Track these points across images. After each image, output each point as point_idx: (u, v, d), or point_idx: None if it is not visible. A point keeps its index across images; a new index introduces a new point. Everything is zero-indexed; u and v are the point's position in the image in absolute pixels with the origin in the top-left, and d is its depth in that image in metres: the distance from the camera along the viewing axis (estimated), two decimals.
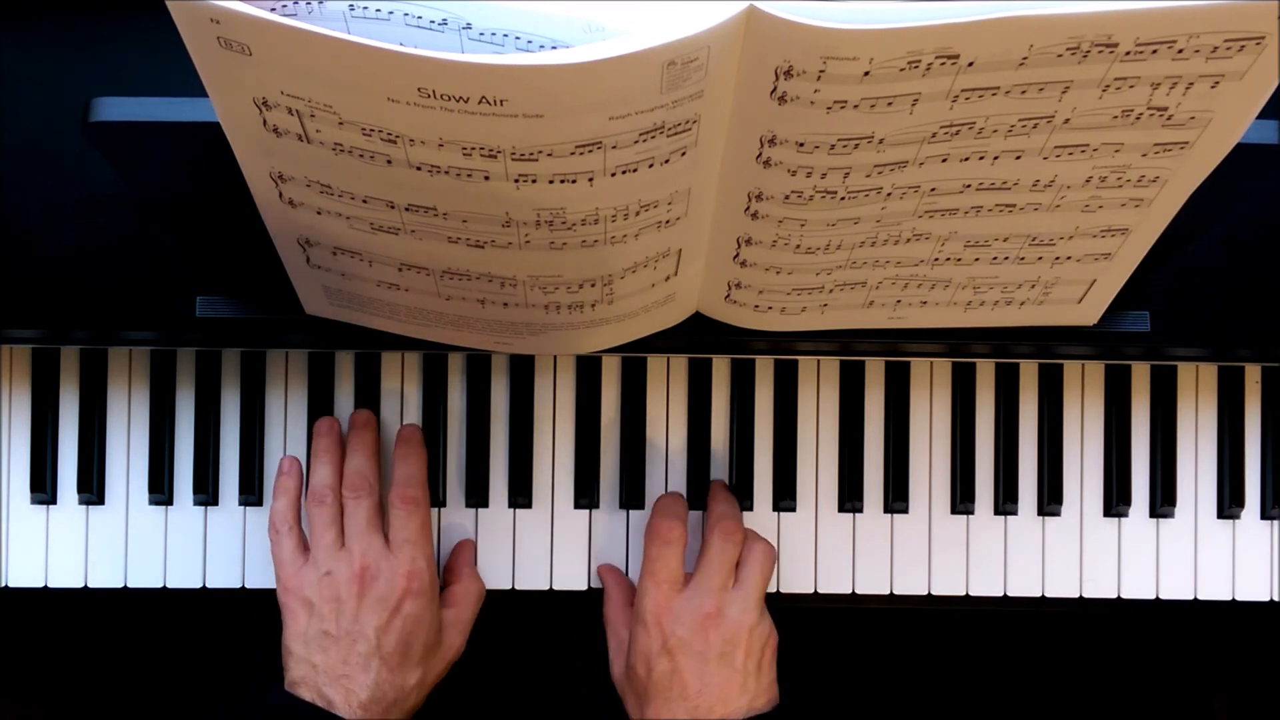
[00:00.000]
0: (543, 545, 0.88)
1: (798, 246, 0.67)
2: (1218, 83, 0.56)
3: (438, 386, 0.88)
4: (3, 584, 0.87)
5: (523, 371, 0.88)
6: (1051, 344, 0.82)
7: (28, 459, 0.87)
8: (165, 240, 0.77)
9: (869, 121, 0.58)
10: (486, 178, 0.59)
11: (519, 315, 0.72)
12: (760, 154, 0.60)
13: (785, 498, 0.87)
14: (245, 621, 0.92)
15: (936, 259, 0.70)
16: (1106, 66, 0.55)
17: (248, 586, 0.87)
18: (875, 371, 0.89)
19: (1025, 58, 0.54)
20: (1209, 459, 0.89)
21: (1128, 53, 0.54)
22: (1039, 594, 0.88)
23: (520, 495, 0.87)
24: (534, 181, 0.58)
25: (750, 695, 0.77)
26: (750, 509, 0.88)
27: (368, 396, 0.87)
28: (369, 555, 0.79)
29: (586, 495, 0.87)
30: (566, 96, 0.53)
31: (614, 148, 0.57)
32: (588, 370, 0.88)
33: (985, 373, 0.89)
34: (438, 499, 0.87)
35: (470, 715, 1.07)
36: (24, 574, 0.87)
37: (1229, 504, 0.88)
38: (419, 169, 0.59)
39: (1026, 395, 0.89)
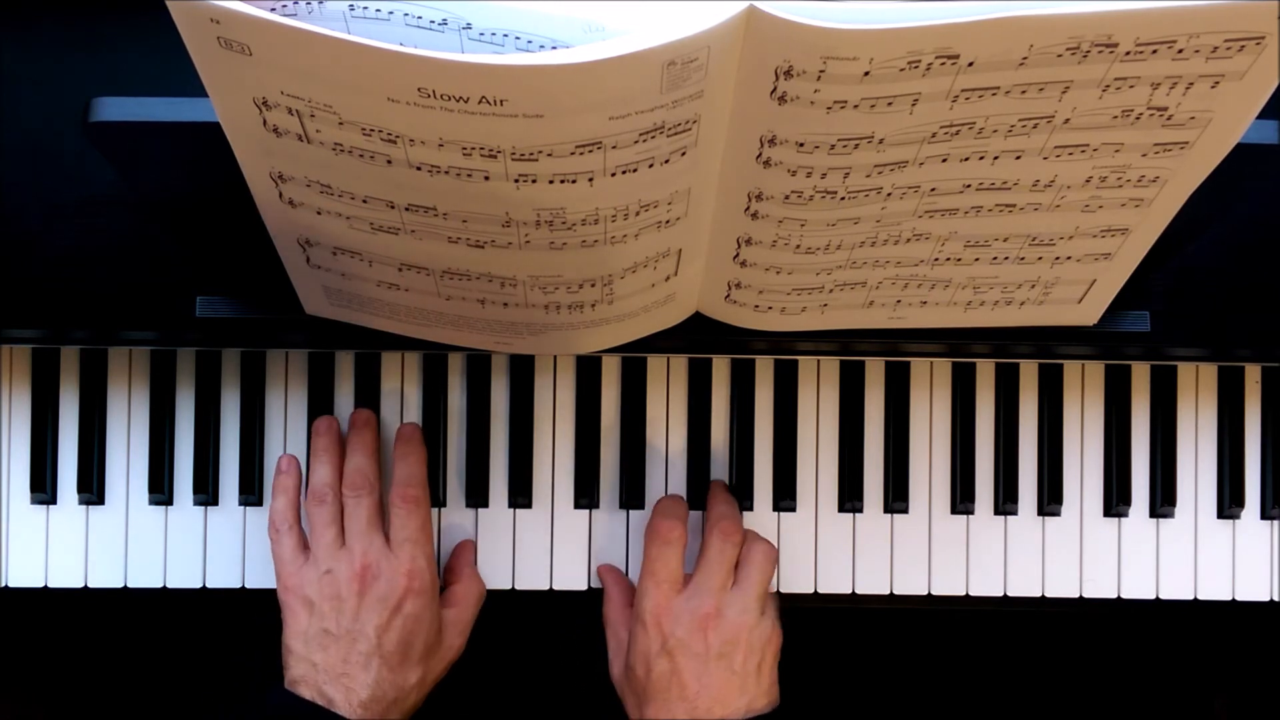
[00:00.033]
0: (543, 545, 0.88)
1: (798, 246, 0.67)
2: (1218, 83, 0.56)
3: (438, 386, 0.88)
4: (3, 584, 0.87)
5: (523, 371, 0.88)
6: (1051, 344, 0.82)
7: (28, 459, 0.87)
8: (165, 240, 0.77)
9: (869, 121, 0.58)
10: (486, 178, 0.59)
11: (519, 315, 0.72)
12: (760, 154, 0.60)
13: (785, 498, 0.87)
14: (245, 621, 0.92)
15: (936, 259, 0.70)
16: (1106, 66, 0.55)
17: (248, 586, 0.87)
18: (875, 371, 0.89)
19: (1025, 58, 0.54)
20: (1209, 459, 0.89)
21: (1128, 53, 0.54)
22: (1039, 594, 0.88)
23: (520, 495, 0.87)
24: (534, 181, 0.58)
25: (749, 697, 0.77)
26: (750, 509, 0.88)
27: (368, 396, 0.87)
28: (370, 554, 0.79)
29: (586, 495, 0.87)
30: (566, 96, 0.53)
31: (614, 148, 0.57)
32: (588, 370, 0.88)
33: (985, 373, 0.89)
34: (438, 499, 0.87)
35: (470, 715, 1.07)
36: (24, 574, 0.87)
37: (1229, 504, 0.88)
38: (419, 169, 0.59)
39: (1026, 395, 0.89)
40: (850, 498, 0.88)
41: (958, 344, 0.82)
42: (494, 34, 0.57)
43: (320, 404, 0.87)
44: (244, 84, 0.56)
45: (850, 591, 0.88)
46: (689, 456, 0.88)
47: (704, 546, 0.81)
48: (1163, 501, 0.88)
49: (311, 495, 0.82)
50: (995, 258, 0.70)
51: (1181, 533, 0.89)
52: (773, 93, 0.56)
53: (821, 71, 0.54)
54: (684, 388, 0.88)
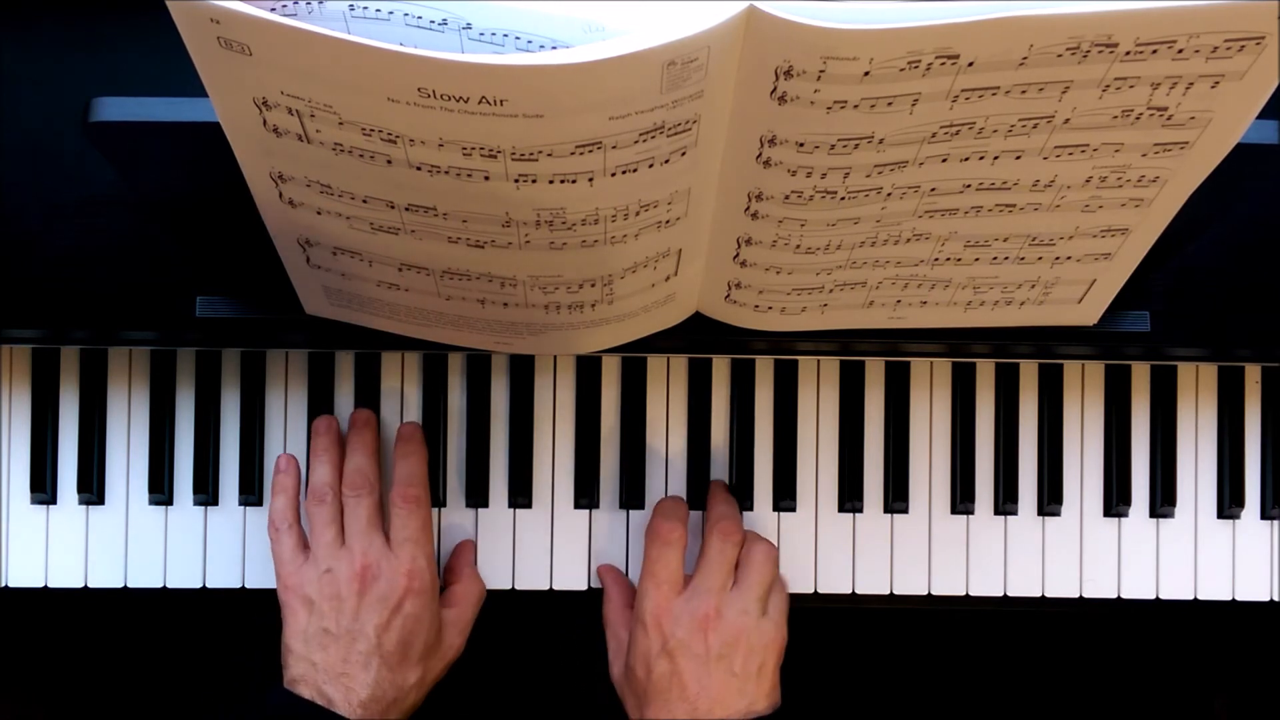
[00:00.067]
0: (543, 545, 0.88)
1: (798, 246, 0.67)
2: (1218, 83, 0.56)
3: (438, 386, 0.88)
4: (3, 584, 0.87)
5: (523, 371, 0.88)
6: (1051, 344, 0.82)
7: (28, 459, 0.87)
8: (165, 240, 0.77)
9: (869, 121, 0.58)
10: (486, 178, 0.59)
11: (519, 315, 0.72)
12: (760, 154, 0.60)
13: (785, 498, 0.87)
14: (245, 621, 0.92)
15: (936, 259, 0.70)
16: (1106, 66, 0.55)
17: (248, 586, 0.87)
18: (875, 371, 0.89)
19: (1025, 58, 0.54)
20: (1209, 459, 0.89)
21: (1128, 53, 0.54)
22: (1039, 594, 0.88)
23: (520, 495, 0.87)
24: (534, 181, 0.58)
25: (749, 699, 0.77)
26: (750, 509, 0.88)
27: (368, 396, 0.87)
28: (370, 554, 0.79)
29: (586, 495, 0.87)
30: (566, 96, 0.53)
31: (614, 148, 0.57)
32: (588, 370, 0.88)
33: (985, 373, 0.89)
34: (438, 499, 0.87)
35: (470, 715, 1.07)
36: (24, 574, 0.87)
37: (1229, 504, 0.88)
38: (419, 169, 0.59)
39: (1026, 395, 0.89)
40: (850, 498, 0.88)
41: (958, 344, 0.82)
42: (494, 34, 0.57)
43: (320, 404, 0.87)
44: (244, 84, 0.56)
45: (850, 591, 0.88)
46: (689, 456, 0.88)
47: (704, 547, 0.81)
48: (1163, 501, 0.88)
49: (311, 495, 0.82)
50: (995, 258, 0.70)
51: (1181, 533, 0.89)
52: (773, 93, 0.56)
53: (821, 71, 0.54)
54: (684, 388, 0.88)
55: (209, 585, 0.87)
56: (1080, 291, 0.74)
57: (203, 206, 0.70)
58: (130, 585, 0.87)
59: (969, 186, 0.64)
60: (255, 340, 0.86)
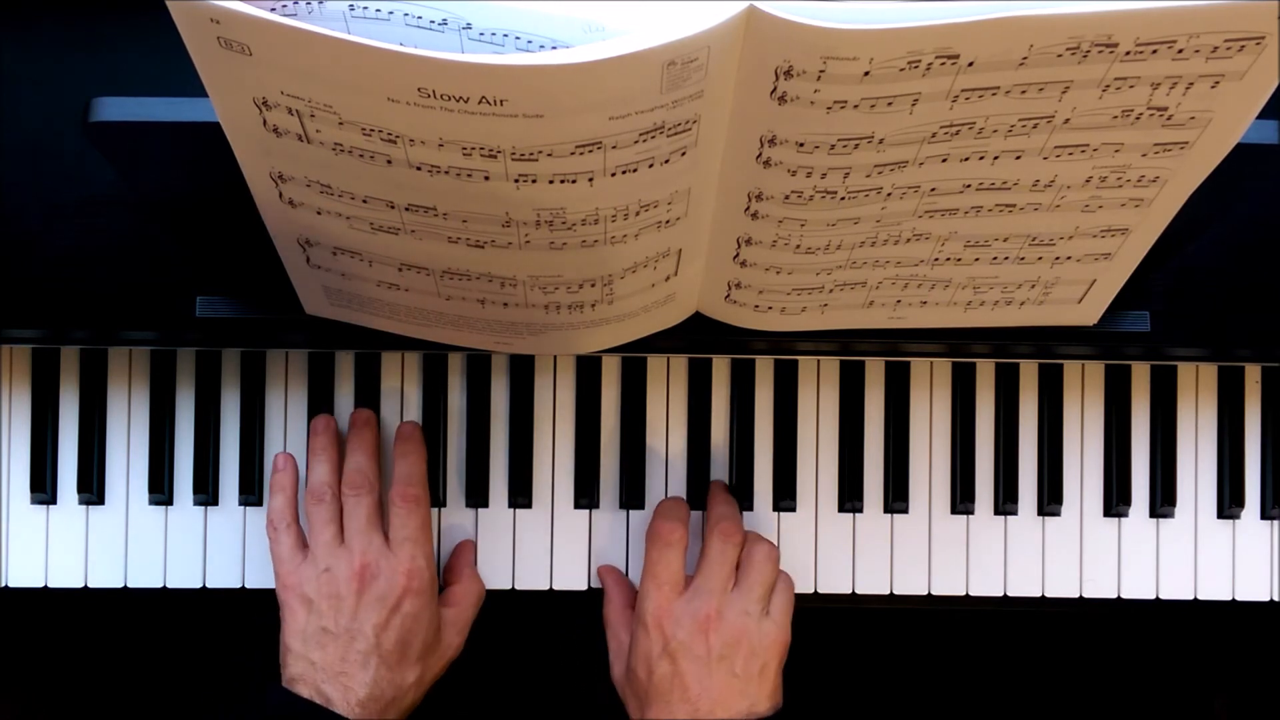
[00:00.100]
0: (543, 545, 0.88)
1: (798, 246, 0.67)
2: (1218, 83, 0.56)
3: (438, 386, 0.88)
4: (3, 584, 0.87)
5: (523, 371, 0.88)
6: (1051, 344, 0.82)
7: (28, 459, 0.87)
8: (165, 240, 0.77)
9: (869, 121, 0.58)
10: (486, 178, 0.59)
11: (519, 315, 0.72)
12: (760, 154, 0.60)
13: (785, 498, 0.87)
14: (245, 621, 0.92)
15: (936, 259, 0.70)
16: (1106, 66, 0.55)
17: (248, 586, 0.87)
18: (875, 371, 0.89)
19: (1025, 58, 0.54)
20: (1209, 459, 0.89)
21: (1128, 53, 0.54)
22: (1039, 594, 0.88)
23: (520, 495, 0.87)
24: (534, 181, 0.58)
25: (751, 700, 0.77)
26: (750, 509, 0.88)
27: (368, 396, 0.87)
28: (369, 553, 0.79)
29: (586, 495, 0.87)
30: (566, 96, 0.53)
31: (614, 148, 0.57)
32: (588, 370, 0.88)
33: (985, 373, 0.89)
34: (438, 499, 0.87)
35: (470, 715, 1.07)
36: (24, 574, 0.87)
37: (1229, 504, 0.88)
38: (419, 169, 0.59)
39: (1026, 395, 0.89)
40: (850, 498, 0.88)
41: (958, 344, 0.82)
42: (494, 34, 0.57)
43: (320, 404, 0.87)
44: (244, 84, 0.56)
45: (850, 591, 0.88)
46: (689, 457, 0.88)
47: (704, 548, 0.81)
48: (1163, 501, 0.88)
49: (310, 494, 0.82)
50: (995, 258, 0.70)
51: (1181, 533, 0.89)
52: (773, 93, 0.56)
53: (821, 71, 0.54)
54: (684, 388, 0.88)
55: (209, 585, 0.87)
56: (1080, 291, 0.74)
57: (203, 206, 0.70)
58: (130, 585, 0.87)
59: (969, 186, 0.64)
60: (255, 340, 0.86)
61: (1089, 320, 0.77)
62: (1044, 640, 1.13)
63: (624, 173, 0.59)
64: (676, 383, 0.88)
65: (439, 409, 0.87)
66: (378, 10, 0.57)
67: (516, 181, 0.59)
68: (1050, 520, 0.89)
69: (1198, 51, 0.54)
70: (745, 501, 0.87)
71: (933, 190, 0.64)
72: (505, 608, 0.87)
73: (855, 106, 0.56)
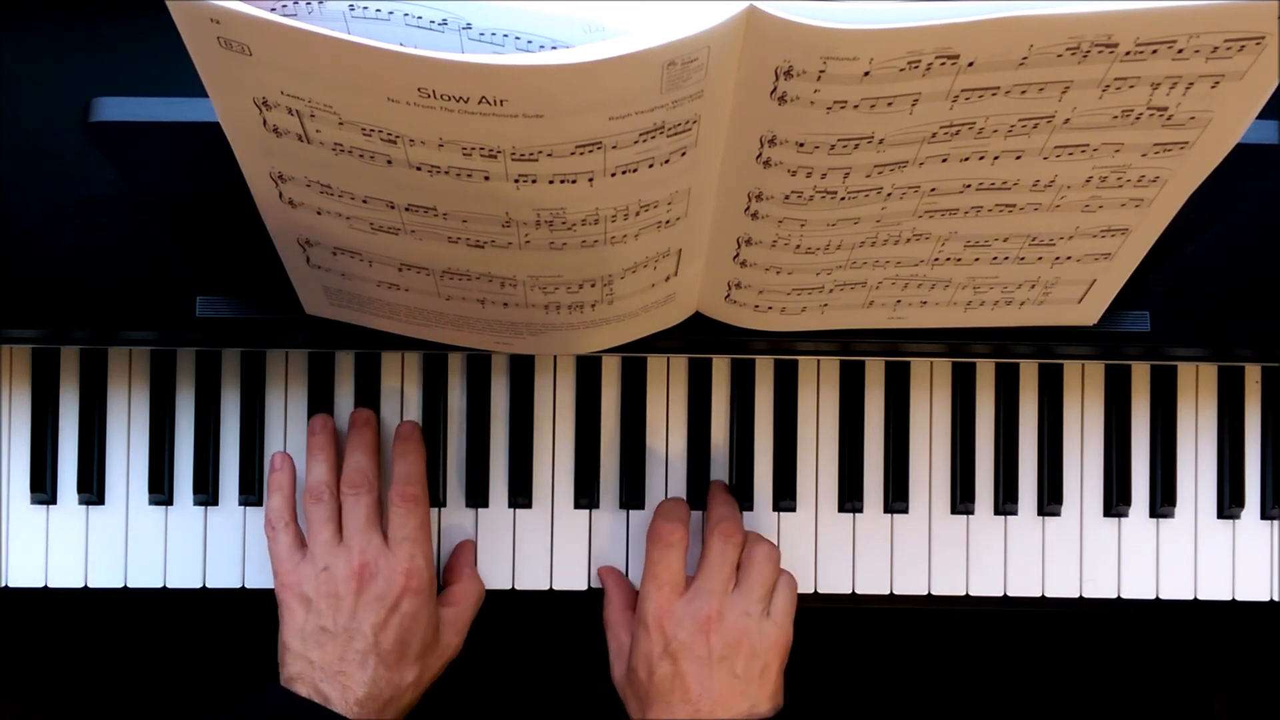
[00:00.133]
0: (543, 545, 0.88)
1: (798, 246, 0.67)
2: (1218, 83, 0.56)
3: (438, 386, 0.88)
4: (3, 584, 0.87)
5: (523, 371, 0.88)
6: (1051, 344, 0.82)
7: (28, 459, 0.87)
8: (165, 240, 0.77)
9: (869, 121, 0.58)
10: (486, 178, 0.59)
11: (519, 315, 0.72)
12: (760, 154, 0.60)
13: (785, 498, 0.87)
14: (245, 621, 0.92)
15: (936, 259, 0.70)
16: (1106, 66, 0.55)
17: (248, 586, 0.87)
18: (875, 371, 0.89)
19: (1025, 58, 0.54)
20: (1209, 459, 0.89)
21: (1128, 53, 0.54)
22: (1039, 594, 0.88)
23: (520, 495, 0.87)
24: (534, 181, 0.58)
25: (752, 700, 0.77)
26: (750, 509, 0.88)
27: (368, 396, 0.87)
28: (368, 552, 0.79)
29: (586, 495, 0.87)
30: (566, 96, 0.53)
31: (614, 148, 0.57)
32: (588, 370, 0.88)
33: (985, 373, 0.89)
34: (438, 499, 0.87)
35: (470, 715, 1.07)
36: (24, 574, 0.87)
37: (1229, 504, 0.88)
38: (419, 169, 0.59)
39: (1026, 395, 0.89)
40: (850, 498, 0.88)
41: (958, 344, 0.82)
42: (494, 34, 0.57)
43: (320, 404, 0.87)
44: (244, 84, 0.56)
45: (850, 591, 0.88)
46: (689, 457, 0.88)
47: (705, 549, 0.81)
48: (1163, 501, 0.88)
49: (308, 493, 0.82)
50: (995, 258, 0.70)
51: (1181, 533, 0.89)
52: (773, 93, 0.56)
53: (821, 72, 0.54)
54: (684, 388, 0.88)
55: (209, 585, 0.87)
56: (1080, 291, 0.74)
57: (203, 206, 0.70)
58: (130, 585, 0.87)
59: (969, 186, 0.64)
60: (255, 340, 0.86)
61: (1089, 320, 0.77)
62: (1044, 640, 1.13)
63: (624, 173, 0.59)
64: (676, 383, 0.88)
65: (439, 409, 0.87)
66: (378, 10, 0.57)
67: (516, 181, 0.59)
68: (1050, 520, 0.89)
69: (1198, 52, 0.54)
70: (745, 501, 0.87)
71: (933, 190, 0.64)
72: (505, 608, 0.87)
73: (855, 106, 0.56)
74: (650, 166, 0.59)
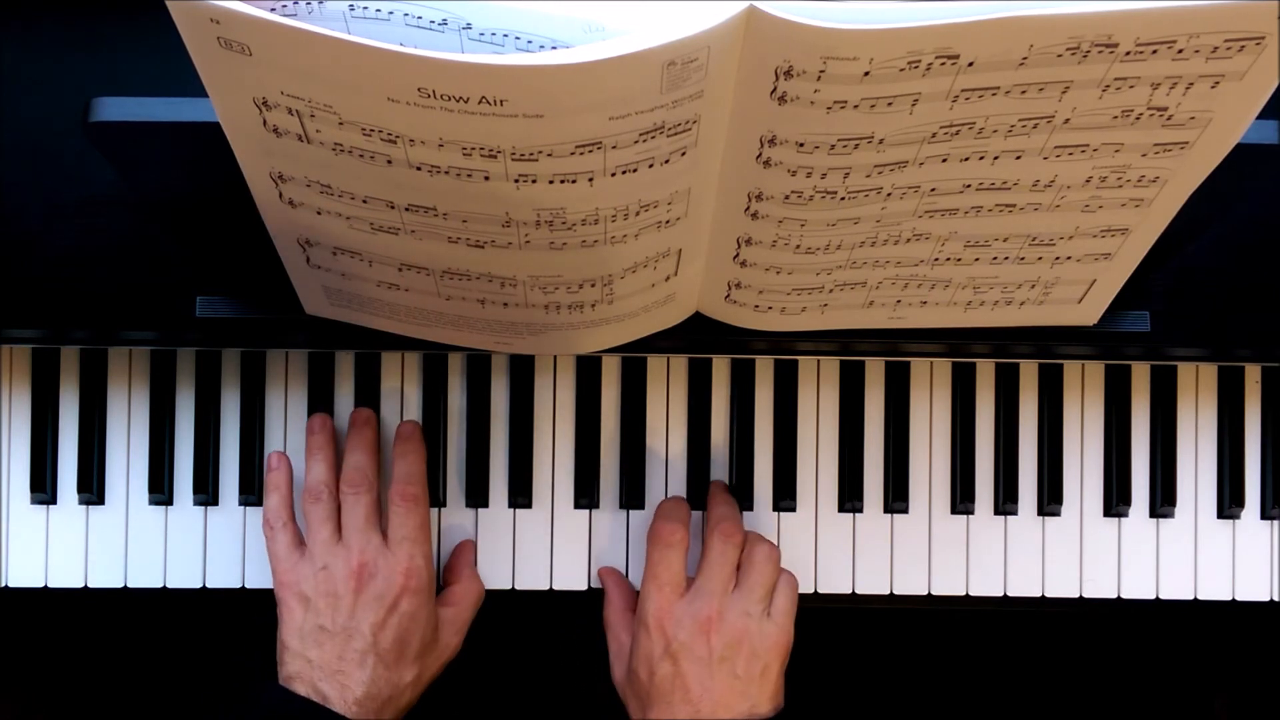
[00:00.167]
0: (543, 545, 0.88)
1: (798, 246, 0.67)
2: (1218, 83, 0.56)
3: (438, 386, 0.88)
4: (3, 584, 0.87)
5: (523, 371, 0.88)
6: (1051, 344, 0.82)
7: (28, 459, 0.87)
8: (165, 240, 0.77)
9: (869, 121, 0.58)
10: (486, 178, 0.59)
11: (519, 315, 0.72)
12: (760, 154, 0.60)
13: (785, 498, 0.87)
14: (245, 621, 0.92)
15: (936, 259, 0.70)
16: (1106, 67, 0.55)
17: (248, 586, 0.87)
18: (875, 371, 0.89)
19: (1025, 58, 0.54)
20: (1209, 459, 0.89)
21: (1128, 53, 0.54)
22: (1039, 594, 0.88)
23: (520, 495, 0.87)
24: (534, 181, 0.58)
25: (752, 701, 0.77)
26: (750, 509, 0.88)
27: (368, 396, 0.87)
28: (367, 552, 0.79)
29: (586, 495, 0.87)
30: (566, 96, 0.53)
31: (614, 148, 0.57)
32: (588, 370, 0.88)
33: (985, 373, 0.89)
34: (438, 499, 0.87)
35: (470, 715, 1.07)
36: (24, 574, 0.87)
37: (1229, 504, 0.88)
38: (419, 169, 0.59)
39: (1026, 395, 0.89)
40: (850, 498, 0.88)
41: (958, 344, 0.82)
42: (494, 34, 0.57)
43: (320, 404, 0.87)
44: (244, 84, 0.56)
45: (850, 591, 0.88)
46: (689, 457, 0.88)
47: (705, 549, 0.81)
48: (1163, 501, 0.88)
49: (307, 492, 0.82)
50: (995, 258, 0.70)
51: (1181, 533, 0.89)
52: (773, 93, 0.56)
53: (821, 72, 0.54)
54: (684, 388, 0.88)
55: (209, 585, 0.87)
56: (1080, 291, 0.74)
57: (203, 206, 0.70)
58: (130, 585, 0.87)
59: (969, 186, 0.64)
60: (255, 340, 0.86)
61: (1089, 320, 0.77)
62: (1044, 640, 1.13)
63: (624, 173, 0.59)
64: (676, 383, 0.88)
65: (439, 409, 0.87)
66: (378, 10, 0.57)
67: (516, 181, 0.59)
68: (1050, 520, 0.89)
69: (1198, 52, 0.54)
70: (745, 502, 0.87)
71: (933, 190, 0.64)
72: (505, 608, 0.87)
73: (855, 106, 0.56)
74: (650, 166, 0.59)
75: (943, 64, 0.54)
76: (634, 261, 0.67)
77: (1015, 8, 0.52)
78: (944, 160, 0.61)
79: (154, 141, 0.64)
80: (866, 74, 0.54)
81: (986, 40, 0.53)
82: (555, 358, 0.88)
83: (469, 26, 0.57)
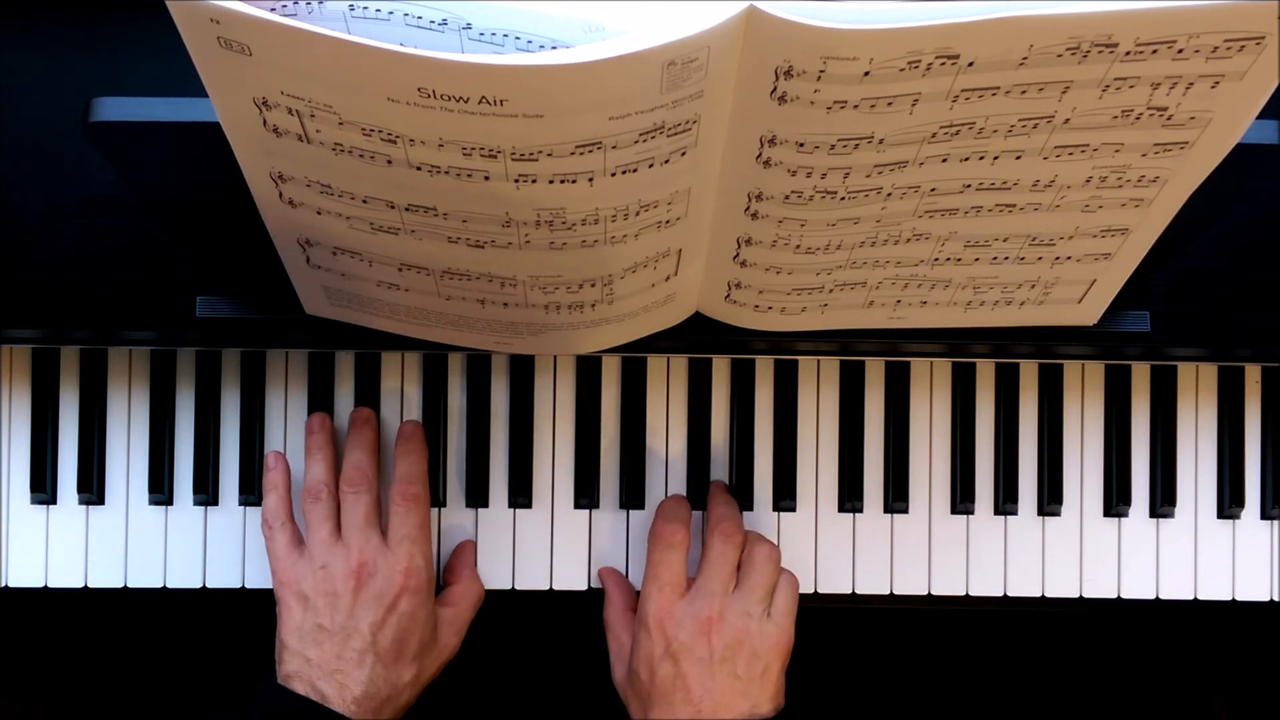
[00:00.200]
0: (543, 545, 0.88)
1: (798, 246, 0.67)
2: (1218, 83, 0.56)
3: (438, 386, 0.88)
4: (3, 584, 0.87)
5: (523, 371, 0.88)
6: (1051, 344, 0.82)
7: (28, 459, 0.87)
8: (165, 240, 0.77)
9: (869, 121, 0.58)
10: (486, 178, 0.59)
11: (519, 315, 0.72)
12: (760, 154, 0.60)
13: (785, 498, 0.87)
14: (245, 621, 0.92)
15: (936, 259, 0.70)
16: (1106, 66, 0.55)
17: (248, 586, 0.87)
18: (875, 371, 0.89)
19: (1025, 58, 0.54)
20: (1209, 459, 0.89)
21: (1128, 53, 0.54)
22: (1039, 594, 0.88)
23: (520, 495, 0.87)
24: (534, 181, 0.58)
25: (753, 701, 0.77)
26: (750, 509, 0.88)
27: (368, 396, 0.87)
28: (366, 551, 0.79)
29: (586, 495, 0.87)
30: (566, 96, 0.53)
31: (614, 148, 0.57)
32: (588, 370, 0.88)
33: (985, 373, 0.89)
34: (438, 499, 0.87)
35: (470, 715, 1.07)
36: (24, 574, 0.87)
37: (1229, 504, 0.88)
38: (419, 169, 0.59)
39: (1026, 395, 0.89)
40: (850, 498, 0.88)
41: (958, 344, 0.82)
42: (494, 34, 0.57)
43: (320, 404, 0.87)
44: (244, 84, 0.56)
45: (850, 591, 0.88)
46: (689, 457, 0.88)
47: (705, 550, 0.81)
48: (1163, 501, 0.88)
49: (306, 492, 0.82)
50: (995, 258, 0.70)
51: (1181, 533, 0.89)
52: (773, 93, 0.56)
53: (821, 72, 0.54)
54: (684, 388, 0.88)
55: (209, 585, 0.87)
56: (1080, 291, 0.74)
57: (203, 206, 0.70)
58: (130, 585, 0.87)
59: (969, 186, 0.64)
60: (255, 340, 0.86)
61: (1089, 320, 0.77)
62: (1044, 640, 1.13)
63: (624, 173, 0.59)
64: (676, 383, 0.88)
65: (439, 409, 0.87)
66: (378, 10, 0.57)
67: (516, 181, 0.59)
68: (1050, 520, 0.89)
69: (1198, 52, 0.54)
70: (745, 502, 0.87)
71: (933, 190, 0.64)
72: (505, 608, 0.87)
73: (855, 106, 0.56)
74: (650, 166, 0.59)
75: (943, 64, 0.54)
76: (634, 261, 0.67)
77: (1015, 8, 0.52)
78: (944, 160, 0.61)
79: (154, 141, 0.64)
80: (866, 74, 0.54)
81: (986, 40, 0.53)
82: (555, 358, 0.88)
83: (469, 26, 0.57)
